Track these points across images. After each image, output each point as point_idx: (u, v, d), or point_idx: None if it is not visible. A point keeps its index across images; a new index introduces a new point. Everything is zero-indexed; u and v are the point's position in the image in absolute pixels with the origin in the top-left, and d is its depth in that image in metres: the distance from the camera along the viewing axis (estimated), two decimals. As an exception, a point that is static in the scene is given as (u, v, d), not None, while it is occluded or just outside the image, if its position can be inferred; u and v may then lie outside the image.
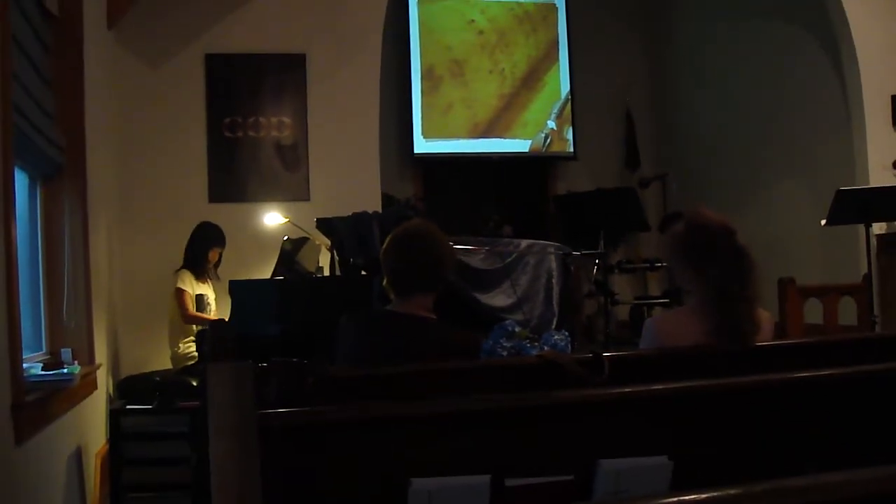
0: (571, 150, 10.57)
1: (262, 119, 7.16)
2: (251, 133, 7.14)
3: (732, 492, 1.21)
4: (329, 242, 6.20)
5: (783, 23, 8.70)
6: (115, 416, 5.42)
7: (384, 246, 3.22)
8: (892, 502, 1.26)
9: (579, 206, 8.99)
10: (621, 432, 2.29)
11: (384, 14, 7.46)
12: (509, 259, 6.07)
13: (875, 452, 1.89)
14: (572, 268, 6.70)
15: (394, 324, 3.14)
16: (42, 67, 4.31)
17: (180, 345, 6.20)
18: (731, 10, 9.53)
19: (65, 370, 3.98)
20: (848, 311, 6.51)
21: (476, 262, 5.93)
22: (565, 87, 10.54)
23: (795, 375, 2.49)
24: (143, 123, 6.87)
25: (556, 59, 10.57)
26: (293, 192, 7.16)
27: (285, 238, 6.52)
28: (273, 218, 6.86)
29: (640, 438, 2.29)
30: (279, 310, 5.68)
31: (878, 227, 6.82)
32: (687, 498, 1.19)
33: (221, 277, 6.40)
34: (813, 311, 6.57)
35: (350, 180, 7.19)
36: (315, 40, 7.25)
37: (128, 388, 6.02)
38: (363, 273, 5.75)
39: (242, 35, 7.12)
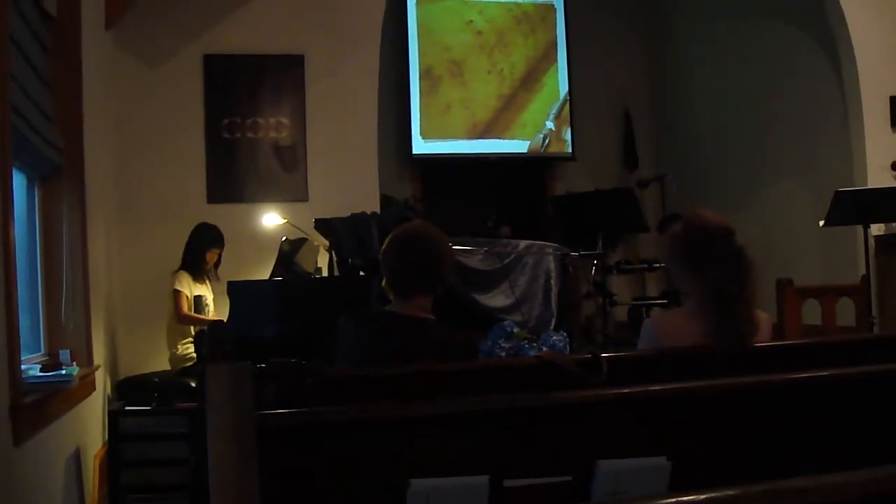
0: (570, 150, 10.57)
1: (260, 120, 7.16)
2: (249, 134, 7.13)
3: (731, 493, 1.21)
4: (327, 243, 6.20)
5: (782, 23, 8.71)
6: (114, 417, 5.42)
7: (384, 247, 3.22)
8: (892, 503, 1.26)
9: (577, 207, 8.97)
10: (620, 433, 2.29)
11: (382, 15, 7.46)
12: (508, 260, 6.08)
13: (874, 453, 1.89)
14: (570, 268, 6.70)
15: (393, 325, 3.14)
16: (40, 68, 4.31)
17: (179, 346, 6.20)
18: (729, 10, 9.53)
19: (63, 371, 3.98)
20: (846, 312, 6.51)
21: (474, 262, 5.94)
22: (564, 88, 10.54)
23: (794, 376, 2.49)
24: (142, 124, 6.87)
25: (555, 59, 10.58)
26: (292, 192, 7.16)
27: (284, 239, 6.52)
28: (271, 219, 6.86)
29: (639, 439, 2.29)
30: (277, 311, 5.68)
31: (877, 228, 6.83)
32: (685, 499, 1.19)
33: (221, 277, 6.40)
34: (811, 312, 6.58)
35: (348, 181, 7.18)
36: (313, 41, 7.25)
37: (126, 389, 6.02)
38: (362, 274, 5.75)
39: (241, 36, 7.12)
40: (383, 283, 3.21)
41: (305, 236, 6.53)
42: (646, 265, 9.57)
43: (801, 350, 3.00)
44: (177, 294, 6.15)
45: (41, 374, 3.85)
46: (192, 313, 6.18)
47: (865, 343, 3.38)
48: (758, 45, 9.05)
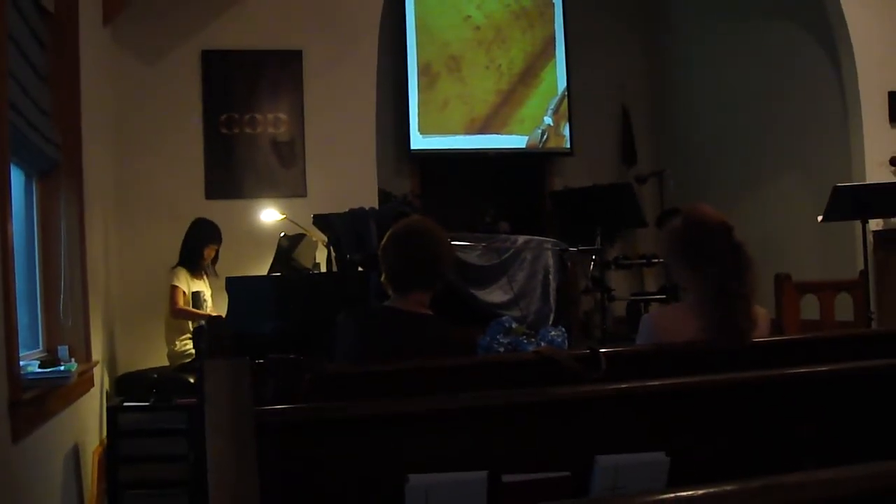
0: (568, 146, 10.58)
1: (258, 116, 7.15)
2: (248, 130, 7.13)
3: (729, 488, 1.21)
4: (326, 239, 6.20)
5: (781, 19, 8.71)
6: (113, 413, 5.42)
7: (383, 242, 3.22)
8: (889, 498, 1.26)
9: (576, 202, 8.96)
10: (618, 428, 2.29)
11: (380, 10, 7.45)
12: (506, 255, 6.08)
13: (872, 448, 1.90)
14: (569, 264, 6.71)
15: (391, 320, 3.15)
16: (38, 65, 4.31)
17: (177, 342, 6.20)
18: (728, 6, 9.53)
19: (62, 367, 3.98)
20: (844, 308, 6.51)
21: (473, 258, 5.94)
22: (562, 83, 10.55)
23: (792, 372, 2.49)
24: (140, 120, 6.86)
25: (553, 55, 10.58)
26: (290, 188, 7.16)
27: (282, 234, 6.52)
28: (270, 214, 6.86)
29: (637, 434, 2.29)
30: (276, 307, 5.68)
31: (875, 224, 6.84)
32: (684, 494, 1.20)
33: (219, 274, 6.40)
34: (809, 308, 6.58)
35: (347, 176, 7.18)
36: (311, 37, 7.24)
37: (125, 385, 6.01)
38: (360, 269, 5.75)
39: (239, 31, 7.11)
40: (382, 278, 3.21)
41: (304, 232, 6.53)
42: (644, 260, 9.56)
43: (800, 345, 3.00)
44: (173, 289, 6.15)
45: (39, 370, 3.85)
46: (187, 308, 6.17)
47: (864, 338, 3.38)
48: (756, 41, 9.05)
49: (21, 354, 3.58)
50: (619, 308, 9.75)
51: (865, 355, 2.69)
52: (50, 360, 4.09)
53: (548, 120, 10.50)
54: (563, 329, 4.06)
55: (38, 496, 3.77)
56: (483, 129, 10.31)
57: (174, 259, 6.31)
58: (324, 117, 7.22)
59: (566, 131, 10.53)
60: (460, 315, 3.52)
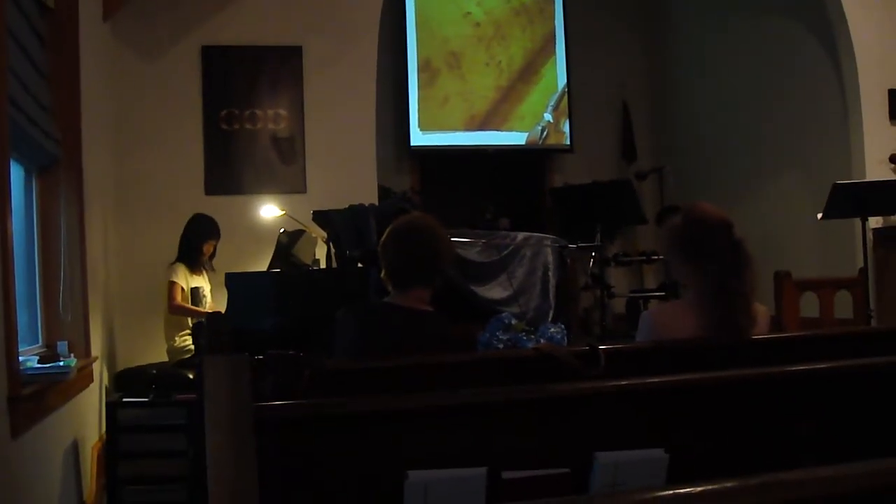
0: (568, 142, 10.57)
1: (258, 111, 7.15)
2: (247, 125, 7.13)
3: (728, 485, 1.21)
4: (325, 235, 6.20)
5: (781, 16, 8.70)
6: (112, 409, 5.42)
7: (383, 239, 3.22)
8: (889, 496, 1.26)
9: (576, 199, 8.95)
10: (618, 425, 2.29)
11: (380, 6, 7.45)
12: (506, 252, 6.08)
13: (871, 446, 1.90)
14: (568, 260, 6.71)
15: (391, 317, 3.15)
16: (38, 60, 4.31)
17: (176, 338, 6.19)
18: (729, 3, 9.53)
19: (61, 363, 3.98)
20: (844, 305, 6.52)
21: (473, 254, 5.94)
22: (562, 80, 10.54)
23: (791, 369, 2.49)
24: (140, 116, 6.86)
25: (553, 51, 10.57)
26: (289, 184, 7.16)
27: (281, 231, 6.51)
28: (269, 210, 6.85)
29: (637, 431, 2.29)
30: (275, 302, 5.67)
31: (875, 221, 6.84)
32: (683, 491, 1.19)
33: (218, 270, 6.39)
34: (809, 305, 6.58)
35: (346, 173, 7.18)
36: (312, 33, 7.24)
37: (124, 380, 6.02)
38: (360, 266, 5.75)
39: (239, 27, 7.11)
40: (382, 274, 3.22)
41: (303, 228, 6.53)
42: (644, 257, 9.56)
43: (799, 342, 3.00)
44: (171, 285, 6.14)
45: (39, 365, 3.85)
46: (185, 304, 6.17)
47: (863, 335, 3.38)
48: (756, 38, 9.04)
49: (20, 350, 3.58)
50: (619, 305, 9.76)
51: (865, 353, 2.69)
52: (49, 355, 4.09)
53: (548, 117, 10.49)
54: (563, 326, 4.06)
55: (37, 491, 3.77)
56: (483, 125, 10.30)
57: (173, 255, 6.30)
58: (324, 113, 7.22)
59: (566, 128, 10.53)
60: (460, 311, 3.52)
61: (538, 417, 2.26)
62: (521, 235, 6.31)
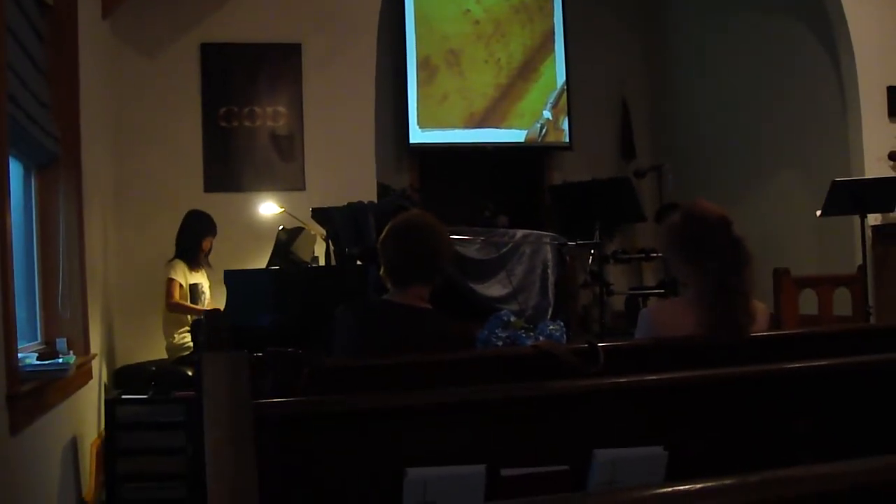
0: (567, 140, 10.57)
1: (257, 109, 7.15)
2: (247, 123, 7.13)
3: (727, 482, 1.21)
4: (324, 232, 6.20)
5: (780, 13, 8.70)
6: (111, 406, 5.42)
7: (382, 236, 3.22)
8: (887, 493, 1.26)
9: (575, 197, 8.96)
10: (616, 422, 2.30)
11: (380, 4, 7.45)
12: (505, 249, 6.08)
13: (870, 443, 1.90)
14: (567, 258, 6.71)
15: (390, 314, 3.15)
16: (37, 57, 4.31)
17: (175, 335, 6.19)
18: (728, 1, 9.52)
19: (60, 360, 3.99)
20: (843, 302, 6.52)
21: (472, 252, 5.94)
22: (561, 78, 10.53)
23: (790, 366, 2.49)
24: (139, 113, 6.86)
25: (552, 49, 10.56)
26: (289, 181, 7.16)
27: (280, 228, 6.52)
28: (268, 208, 6.85)
29: (636, 429, 2.29)
30: (274, 300, 5.67)
31: (874, 218, 6.84)
32: (682, 488, 1.20)
33: (217, 267, 6.38)
34: (808, 302, 6.58)
35: (345, 170, 7.18)
36: (311, 30, 7.24)
37: (123, 377, 6.02)
38: (359, 263, 5.75)
39: (238, 24, 7.10)
40: (381, 272, 3.22)
41: (302, 225, 6.53)
42: (643, 255, 9.59)
43: (798, 340, 3.00)
44: (170, 282, 6.13)
45: (38, 362, 3.85)
46: (183, 301, 6.16)
47: (862, 333, 3.39)
48: (756, 35, 9.04)
49: (19, 347, 3.58)
50: (618, 302, 9.77)
51: (863, 350, 2.69)
52: (48, 352, 4.10)
53: (547, 114, 10.49)
54: (562, 323, 4.06)
55: (36, 488, 3.77)
56: (482, 123, 10.30)
57: (173, 252, 6.30)
58: (323, 111, 7.22)
59: (565, 125, 10.52)
60: (459, 309, 3.52)
61: (537, 415, 2.26)
62: (520, 233, 6.30)
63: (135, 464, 5.47)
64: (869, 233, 6.59)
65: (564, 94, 10.51)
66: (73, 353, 4.33)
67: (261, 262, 6.48)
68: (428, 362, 2.53)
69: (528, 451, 2.16)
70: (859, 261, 6.43)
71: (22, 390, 3.38)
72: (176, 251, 6.28)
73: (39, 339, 4.52)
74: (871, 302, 6.17)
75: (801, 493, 1.22)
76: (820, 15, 7.81)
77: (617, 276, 10.12)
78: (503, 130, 10.39)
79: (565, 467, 2.14)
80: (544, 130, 10.48)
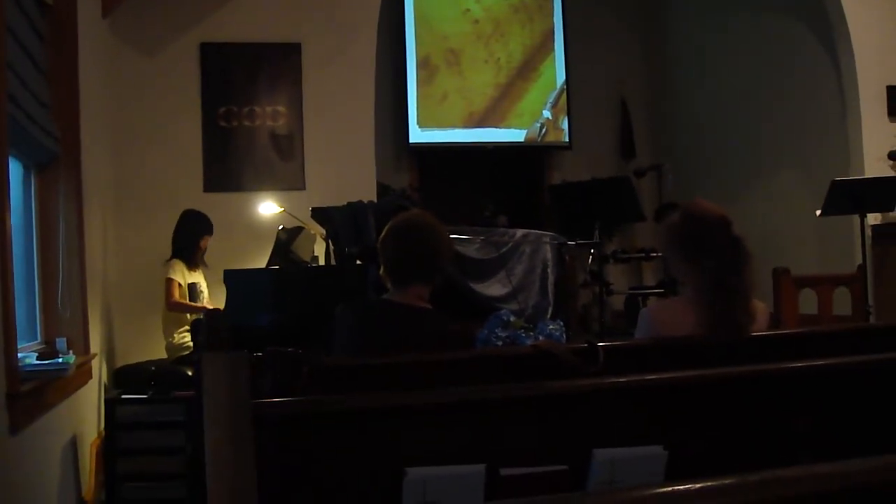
0: (567, 139, 10.56)
1: (257, 108, 7.15)
2: (246, 122, 7.13)
3: (727, 482, 1.21)
4: (324, 232, 6.20)
5: (780, 13, 8.70)
6: (111, 406, 5.43)
7: (382, 236, 3.22)
8: (886, 492, 1.26)
9: (574, 196, 8.95)
10: (616, 422, 2.30)
11: (379, 3, 7.44)
12: (504, 249, 6.08)
13: (869, 442, 1.90)
14: (567, 257, 6.71)
15: (390, 313, 3.15)
16: (37, 57, 4.30)
17: (175, 335, 6.19)
18: (728, 1, 9.52)
19: (60, 359, 3.98)
20: (842, 302, 6.52)
21: (471, 251, 5.94)
22: (561, 77, 10.53)
23: (790, 366, 2.49)
24: (139, 113, 6.86)
25: (552, 48, 10.56)
26: (288, 181, 7.15)
27: (280, 227, 6.51)
28: (268, 207, 6.85)
29: (635, 428, 2.29)
30: (274, 299, 5.67)
31: (873, 218, 6.84)
32: (681, 488, 1.20)
33: (217, 267, 6.38)
34: (808, 302, 6.58)
35: (345, 170, 7.18)
36: (311, 29, 7.24)
37: (123, 377, 6.02)
38: (358, 262, 5.75)
39: (238, 24, 7.10)
40: (381, 271, 3.22)
41: (302, 225, 6.53)
42: (642, 254, 9.57)
43: (798, 339, 3.00)
44: (168, 282, 6.12)
45: (38, 362, 3.85)
46: (183, 300, 6.16)
47: (861, 332, 3.39)
48: (756, 35, 9.04)
49: (19, 346, 3.58)
50: (618, 302, 9.76)
51: (863, 349, 2.69)
52: (48, 352, 4.10)
53: (546, 114, 10.49)
54: (562, 323, 4.06)
55: (36, 488, 3.77)
56: (482, 122, 10.30)
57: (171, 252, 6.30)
58: (322, 110, 7.22)
59: (565, 125, 10.52)
60: (459, 308, 3.52)
61: (536, 414, 2.26)
62: (519, 232, 6.30)
63: (134, 463, 5.47)
64: (868, 232, 6.59)
65: (564, 94, 10.51)
66: (73, 353, 4.33)
67: (260, 262, 6.48)
68: (427, 362, 2.53)
69: (527, 450, 2.16)
70: (859, 260, 6.43)
71: (22, 390, 3.38)
72: (173, 251, 6.28)
73: (39, 339, 4.52)
74: (870, 301, 6.16)
75: (800, 492, 1.22)
76: (820, 15, 7.80)
77: (616, 275, 10.11)
78: (503, 130, 10.39)
79: (565, 467, 2.14)
80: (544, 130, 10.48)
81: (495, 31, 10.39)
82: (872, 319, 6.08)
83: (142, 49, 6.93)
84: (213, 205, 6.59)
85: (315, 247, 6.69)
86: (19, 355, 3.57)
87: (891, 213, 6.86)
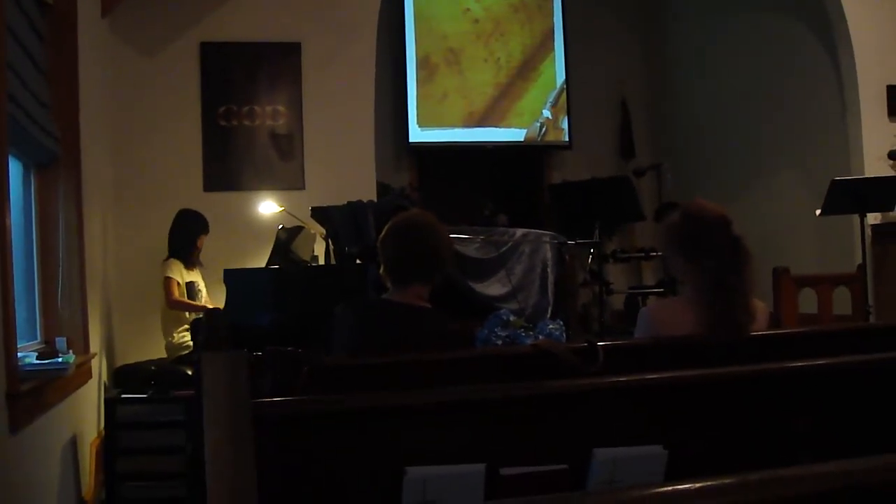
0: (566, 139, 10.55)
1: (256, 108, 7.14)
2: (246, 122, 7.13)
3: (727, 481, 1.21)
4: (324, 231, 6.20)
5: (780, 13, 8.69)
6: (110, 405, 5.42)
7: (382, 235, 3.22)
8: (886, 492, 1.26)
9: (574, 196, 8.98)
10: (616, 421, 2.30)
11: (379, 2, 7.45)
12: (504, 248, 6.08)
13: (869, 442, 1.90)
14: (567, 257, 6.71)
15: (390, 313, 3.15)
16: (37, 57, 4.30)
17: (175, 334, 6.19)
18: (728, 1, 9.52)
19: (59, 359, 3.98)
20: (842, 301, 6.52)
21: (471, 251, 5.94)
22: (561, 77, 10.52)
23: (790, 365, 2.49)
24: (138, 112, 6.86)
25: (552, 48, 10.55)
26: (288, 180, 7.15)
27: (280, 227, 6.51)
28: (268, 207, 6.85)
29: (635, 428, 2.29)
30: (274, 299, 5.67)
31: (873, 217, 6.84)
32: (681, 487, 1.20)
33: (217, 266, 6.38)
34: (807, 301, 6.58)
35: (345, 169, 7.18)
36: (310, 29, 7.24)
37: (123, 377, 6.02)
38: (358, 262, 5.75)
39: (238, 23, 7.10)
40: (381, 271, 3.22)
41: (302, 224, 6.53)
42: (642, 254, 9.58)
43: (798, 339, 3.00)
44: (168, 281, 6.12)
45: (37, 361, 3.85)
46: (183, 299, 6.16)
47: (861, 332, 3.39)
48: (755, 34, 9.04)
49: (19, 346, 3.58)
50: (617, 301, 9.77)
51: (863, 349, 2.69)
52: (48, 351, 4.09)
53: (546, 113, 10.48)
54: (561, 322, 4.07)
55: (36, 487, 3.77)
56: (481, 122, 10.29)
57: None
58: (322, 110, 7.22)
59: (565, 125, 10.51)
60: (458, 308, 3.52)
61: (536, 414, 2.26)
62: (519, 232, 6.30)
63: (134, 463, 5.47)
64: (868, 232, 6.59)
65: (564, 94, 10.50)
66: (73, 353, 4.33)
67: (260, 262, 6.48)
68: (427, 361, 2.53)
69: (527, 450, 2.16)
70: (859, 260, 6.43)
71: (22, 389, 3.38)
72: (170, 250, 6.27)
73: (39, 339, 4.52)
74: (870, 301, 6.16)
75: (800, 492, 1.22)
76: (820, 15, 7.80)
77: (616, 275, 10.11)
78: (503, 129, 10.38)
79: (565, 466, 2.14)
80: (544, 129, 10.48)
81: (495, 31, 10.38)
82: (872, 319, 6.08)
83: (142, 48, 6.93)
84: (213, 204, 6.59)
85: (315, 246, 6.69)
86: (19, 355, 3.57)
87: (891, 213, 6.87)
